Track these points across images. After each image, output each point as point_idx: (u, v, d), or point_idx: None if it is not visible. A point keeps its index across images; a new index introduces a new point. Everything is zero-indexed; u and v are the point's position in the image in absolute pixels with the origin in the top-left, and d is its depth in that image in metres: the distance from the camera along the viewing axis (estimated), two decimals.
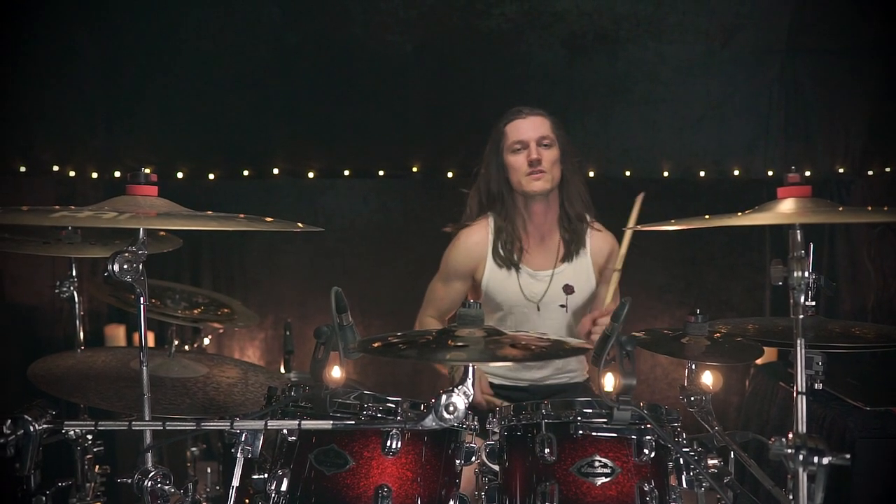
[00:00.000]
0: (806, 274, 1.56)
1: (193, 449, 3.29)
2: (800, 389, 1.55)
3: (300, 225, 1.86)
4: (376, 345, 1.78)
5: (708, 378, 2.18)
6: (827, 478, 1.45)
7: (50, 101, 4.34)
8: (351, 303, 1.84)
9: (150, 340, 4.44)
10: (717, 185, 4.80)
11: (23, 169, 4.32)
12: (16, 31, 4.00)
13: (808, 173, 4.51)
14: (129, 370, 2.30)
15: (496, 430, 2.02)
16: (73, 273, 2.62)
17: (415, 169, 4.87)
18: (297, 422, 1.71)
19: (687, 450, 1.91)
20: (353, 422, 1.81)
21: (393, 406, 1.85)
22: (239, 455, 1.77)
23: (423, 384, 4.87)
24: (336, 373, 1.89)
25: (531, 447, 1.90)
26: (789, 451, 1.46)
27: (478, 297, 2.96)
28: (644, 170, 4.82)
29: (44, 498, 2.10)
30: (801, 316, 1.57)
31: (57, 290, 2.60)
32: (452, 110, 4.61)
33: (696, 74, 4.63)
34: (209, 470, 3.14)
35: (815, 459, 1.44)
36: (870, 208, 1.76)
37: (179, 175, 4.84)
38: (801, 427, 1.52)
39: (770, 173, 4.71)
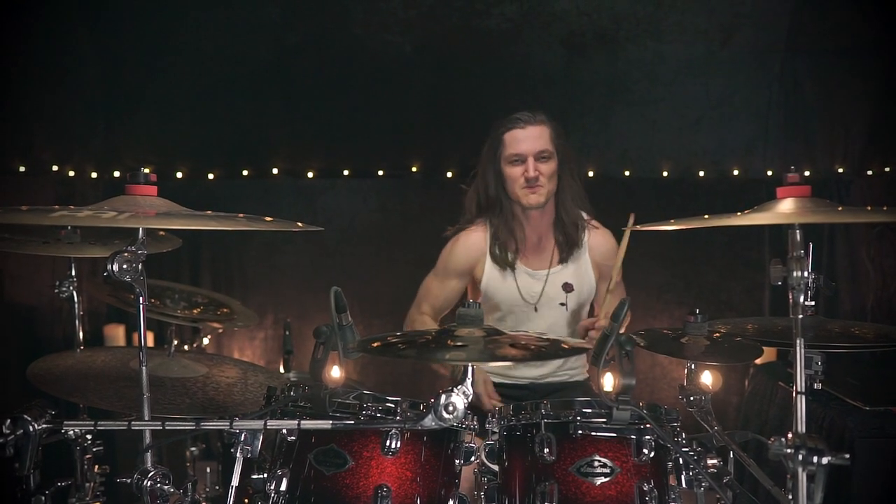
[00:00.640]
0: (805, 274, 1.56)
1: (193, 449, 3.29)
2: (799, 389, 1.55)
3: (300, 224, 1.86)
4: (376, 344, 1.78)
5: (707, 378, 2.19)
6: (826, 478, 1.45)
7: (49, 101, 4.33)
8: (350, 302, 1.83)
9: (150, 340, 4.44)
10: (717, 184, 4.79)
11: (22, 169, 4.31)
12: (15, 31, 3.99)
13: (807, 173, 4.51)
14: (128, 370, 2.30)
15: (495, 429, 2.02)
16: (73, 273, 2.62)
17: (414, 169, 4.87)
18: (296, 422, 1.71)
19: (686, 449, 1.92)
20: (352, 422, 1.81)
21: (392, 406, 1.86)
22: (238, 455, 1.77)
23: (422, 384, 4.86)
24: (335, 372, 1.89)
25: (530, 447, 1.90)
26: (789, 450, 1.46)
27: (477, 297, 2.97)
28: (643, 170, 4.82)
29: (43, 498, 2.10)
30: (801, 316, 1.57)
31: (56, 290, 2.60)
32: (452, 110, 4.61)
33: (695, 74, 4.62)
34: (208, 470, 3.15)
35: (815, 459, 1.44)
36: (869, 208, 1.76)
37: (179, 175, 4.83)
38: (801, 427, 1.52)
39: (769, 173, 4.70)
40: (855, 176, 4.65)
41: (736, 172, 4.78)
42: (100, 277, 4.07)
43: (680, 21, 4.45)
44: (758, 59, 4.60)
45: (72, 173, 4.57)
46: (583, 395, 2.50)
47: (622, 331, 2.00)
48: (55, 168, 4.46)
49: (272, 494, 1.84)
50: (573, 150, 2.93)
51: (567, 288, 2.86)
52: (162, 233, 2.76)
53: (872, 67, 4.38)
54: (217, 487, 3.14)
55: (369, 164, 4.89)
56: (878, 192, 4.55)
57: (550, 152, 2.77)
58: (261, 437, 1.77)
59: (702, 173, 4.81)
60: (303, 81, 4.73)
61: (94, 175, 4.70)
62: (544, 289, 2.88)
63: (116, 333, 4.54)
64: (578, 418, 1.87)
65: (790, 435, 1.48)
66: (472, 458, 1.99)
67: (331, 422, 1.72)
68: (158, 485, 1.67)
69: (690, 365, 2.20)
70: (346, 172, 4.89)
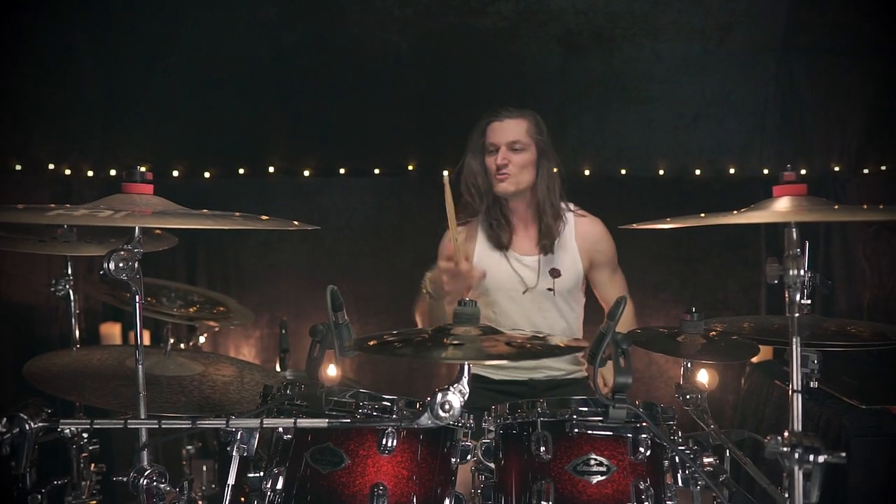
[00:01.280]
0: (801, 272, 1.56)
1: (189, 447, 3.29)
2: (795, 388, 1.55)
3: (296, 223, 1.86)
4: (372, 343, 1.78)
5: (703, 376, 2.19)
6: (822, 476, 1.45)
7: (46, 100, 4.32)
8: (346, 301, 1.84)
9: (146, 339, 4.42)
10: (713, 183, 4.79)
11: (18, 167, 4.30)
12: (12, 30, 3.98)
13: (803, 171, 4.51)
14: (124, 368, 2.30)
15: (492, 428, 2.02)
16: (69, 271, 2.62)
17: (410, 167, 4.86)
18: (292, 420, 1.71)
19: (682, 448, 1.92)
20: (348, 420, 1.81)
21: (388, 404, 1.86)
22: (235, 453, 1.78)
23: (418, 382, 4.86)
24: (332, 371, 1.89)
25: (527, 445, 1.90)
26: (785, 449, 1.47)
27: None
28: (639, 168, 4.82)
29: (39, 496, 2.10)
30: (797, 314, 1.57)
31: (53, 289, 2.60)
32: (448, 108, 4.59)
33: (691, 73, 4.62)
34: (205, 468, 3.15)
35: (811, 458, 1.45)
36: (865, 207, 1.76)
37: (175, 173, 4.82)
38: (797, 425, 1.52)
39: (766, 171, 4.70)
40: (851, 174, 4.65)
41: (732, 171, 4.79)
42: (96, 276, 4.06)
43: (676, 19, 4.45)
44: (754, 57, 4.60)
45: (68, 172, 4.56)
46: (582, 393, 2.50)
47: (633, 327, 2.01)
48: (51, 166, 4.45)
49: (268, 493, 1.84)
50: (551, 146, 2.94)
51: (554, 273, 2.89)
52: (158, 231, 2.75)
53: (869, 66, 4.39)
54: (213, 486, 3.14)
55: (366, 162, 4.89)
56: (875, 191, 4.55)
57: (525, 143, 2.85)
58: (257, 436, 1.77)
59: (698, 172, 4.81)
60: (299, 80, 4.72)
61: (90, 173, 4.69)
62: (533, 274, 2.90)
63: (113, 332, 4.54)
64: (575, 417, 1.87)
65: (786, 433, 1.49)
66: (469, 457, 1.98)
67: (327, 420, 1.71)
68: (155, 483, 1.67)
69: (687, 363, 2.20)
70: (342, 171, 4.89)
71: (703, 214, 1.80)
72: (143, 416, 1.72)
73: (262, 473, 1.88)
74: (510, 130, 2.86)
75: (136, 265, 1.63)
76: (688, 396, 2.19)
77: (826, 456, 1.45)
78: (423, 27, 4.52)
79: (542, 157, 2.90)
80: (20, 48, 4.05)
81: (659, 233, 4.60)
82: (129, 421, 1.67)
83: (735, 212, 1.76)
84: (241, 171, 4.88)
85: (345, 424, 1.79)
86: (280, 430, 1.88)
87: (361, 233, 4.92)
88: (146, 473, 1.67)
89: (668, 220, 1.83)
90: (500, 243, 2.92)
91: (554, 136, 2.96)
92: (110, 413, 2.16)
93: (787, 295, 1.58)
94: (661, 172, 4.81)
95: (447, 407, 1.58)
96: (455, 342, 1.70)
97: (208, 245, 4.89)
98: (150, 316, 2.99)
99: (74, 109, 4.55)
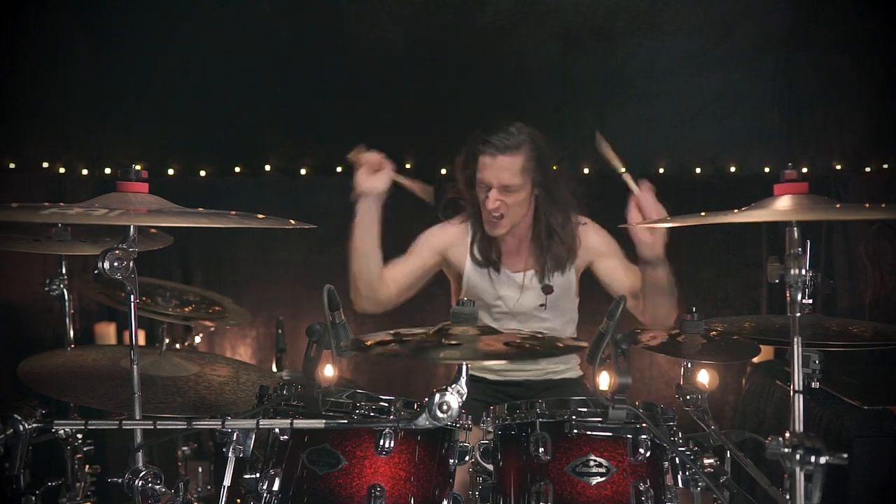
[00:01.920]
0: (803, 271, 1.55)
1: (184, 448, 3.29)
2: (797, 388, 1.54)
3: (292, 222, 1.85)
4: (369, 343, 1.76)
5: (704, 376, 2.18)
6: (824, 477, 1.44)
7: (40, 98, 4.32)
8: (343, 301, 1.83)
9: (141, 339, 4.42)
10: (714, 181, 4.78)
11: (12, 165, 4.29)
12: (7, 28, 3.97)
13: (805, 170, 4.50)
14: (119, 368, 2.30)
15: (490, 429, 2.01)
16: (63, 271, 2.62)
17: (408, 166, 4.83)
18: (289, 421, 1.70)
19: (683, 449, 1.91)
20: (345, 421, 1.80)
21: (386, 405, 1.85)
22: (230, 454, 1.77)
23: (416, 383, 4.85)
24: (328, 371, 1.88)
25: (525, 446, 1.89)
26: (786, 450, 1.46)
27: (459, 292, 2.94)
28: (639, 166, 4.78)
29: (33, 497, 2.10)
30: (798, 314, 1.56)
31: (47, 288, 2.60)
32: (446, 106, 4.58)
33: (692, 70, 4.59)
34: (200, 469, 3.14)
35: (812, 459, 1.43)
36: (867, 205, 1.74)
37: (170, 172, 4.80)
38: (798, 426, 1.51)
39: (767, 170, 4.69)
40: (853, 173, 4.64)
41: (733, 169, 4.77)
42: (90, 275, 4.05)
43: (677, 16, 4.43)
44: (756, 54, 4.57)
45: (62, 170, 4.55)
46: (577, 394, 2.49)
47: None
48: (45, 165, 4.44)
49: (264, 494, 1.83)
50: (547, 164, 2.79)
51: (547, 290, 2.81)
52: (153, 230, 2.74)
53: (871, 63, 4.37)
54: (209, 487, 3.13)
55: None
56: (877, 189, 4.54)
57: (518, 184, 2.68)
58: (253, 437, 1.76)
59: (698, 170, 4.79)
60: (296, 77, 4.70)
61: (84, 172, 4.68)
62: (523, 290, 2.84)
63: (107, 332, 4.53)
64: (574, 417, 1.86)
65: (787, 434, 1.47)
66: (467, 458, 1.98)
67: (324, 421, 1.70)
68: (150, 484, 1.67)
69: (687, 363, 2.19)
70: (339, 169, 4.86)
71: (703, 213, 1.79)
72: (138, 417, 1.71)
73: (258, 475, 1.87)
74: (503, 172, 2.66)
75: (131, 264, 1.62)
76: (688, 397, 2.18)
77: (827, 457, 1.43)
78: (421, 24, 4.50)
79: (540, 186, 2.77)
80: (13, 46, 4.05)
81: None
82: (123, 422, 1.66)
83: (736, 210, 1.75)
84: (237, 169, 4.86)
85: (342, 425, 1.78)
86: (276, 430, 1.88)
87: None
88: (141, 475, 1.66)
89: (668, 218, 1.82)
90: (490, 260, 2.84)
91: (552, 135, 2.88)
92: (105, 414, 2.15)
93: (788, 294, 1.56)
94: (662, 171, 4.79)
95: (445, 407, 1.57)
96: (453, 342, 1.68)
97: (204, 244, 4.88)
98: (145, 316, 2.98)
99: (69, 107, 4.53)
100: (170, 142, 4.80)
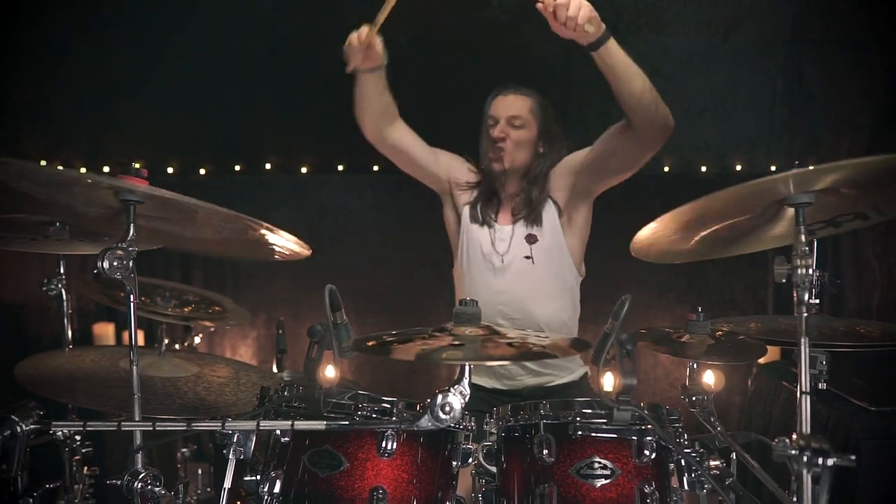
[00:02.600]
0: (810, 271, 1.55)
1: (184, 450, 3.27)
2: (804, 389, 1.54)
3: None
4: (371, 343, 1.75)
5: (710, 377, 2.17)
6: (832, 479, 1.44)
7: (38, 96, 4.32)
8: (345, 301, 1.82)
9: (140, 339, 4.41)
10: (719, 179, 4.75)
11: None
12: (4, 26, 3.97)
13: (811, 167, 4.47)
14: (118, 369, 2.29)
15: (493, 430, 1.99)
16: (62, 270, 2.61)
17: None
18: (290, 422, 1.70)
19: (688, 451, 1.89)
20: (347, 422, 1.80)
21: (388, 406, 1.84)
22: (231, 456, 1.76)
23: (418, 384, 4.84)
24: (330, 372, 1.86)
25: (529, 448, 1.88)
26: (793, 452, 1.46)
27: (457, 245, 2.97)
28: (644, 164, 4.78)
29: (31, 500, 2.08)
30: (805, 314, 1.56)
31: (44, 288, 2.59)
32: (448, 103, 4.56)
33: (697, 67, 4.58)
34: (200, 471, 3.13)
35: (820, 461, 1.43)
36: None
37: (170, 170, 4.79)
38: (805, 428, 1.51)
39: (773, 168, 4.67)
40: None
41: (739, 167, 4.76)
42: (89, 275, 4.04)
43: (682, 13, 4.42)
44: (761, 51, 4.56)
45: (60, 168, 4.54)
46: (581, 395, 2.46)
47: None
48: (43, 163, 4.43)
49: (265, 497, 1.82)
50: (560, 132, 2.91)
51: (530, 239, 2.81)
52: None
53: (878, 60, 4.36)
54: (209, 489, 3.12)
55: (365, 159, 4.84)
56: None
57: (524, 121, 2.82)
58: (254, 439, 1.76)
59: (704, 168, 4.78)
60: (296, 74, 4.69)
61: (82, 170, 4.66)
62: (511, 243, 2.83)
63: (106, 332, 4.53)
64: (578, 419, 1.84)
65: (794, 436, 1.47)
66: (470, 460, 1.96)
67: (325, 422, 1.69)
68: (149, 487, 1.67)
69: (692, 364, 2.18)
70: (340, 168, 4.86)
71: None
72: (137, 419, 1.71)
73: (258, 477, 1.86)
74: (512, 105, 2.83)
75: (131, 264, 1.63)
76: (694, 398, 2.17)
77: (835, 459, 1.43)
78: (423, 20, 4.48)
79: (543, 140, 2.84)
80: (11, 44, 4.05)
81: None
82: (122, 423, 1.66)
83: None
84: (238, 167, 4.86)
85: (343, 427, 1.77)
86: (277, 432, 1.86)
87: (360, 230, 4.89)
88: (140, 477, 1.66)
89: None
90: (488, 217, 2.88)
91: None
92: (104, 415, 2.15)
93: (795, 294, 1.57)
94: (667, 168, 4.78)
95: (448, 409, 1.56)
96: (455, 342, 1.66)
97: None
98: (144, 316, 2.95)
99: (66, 105, 4.54)
100: (169, 140, 4.80)
